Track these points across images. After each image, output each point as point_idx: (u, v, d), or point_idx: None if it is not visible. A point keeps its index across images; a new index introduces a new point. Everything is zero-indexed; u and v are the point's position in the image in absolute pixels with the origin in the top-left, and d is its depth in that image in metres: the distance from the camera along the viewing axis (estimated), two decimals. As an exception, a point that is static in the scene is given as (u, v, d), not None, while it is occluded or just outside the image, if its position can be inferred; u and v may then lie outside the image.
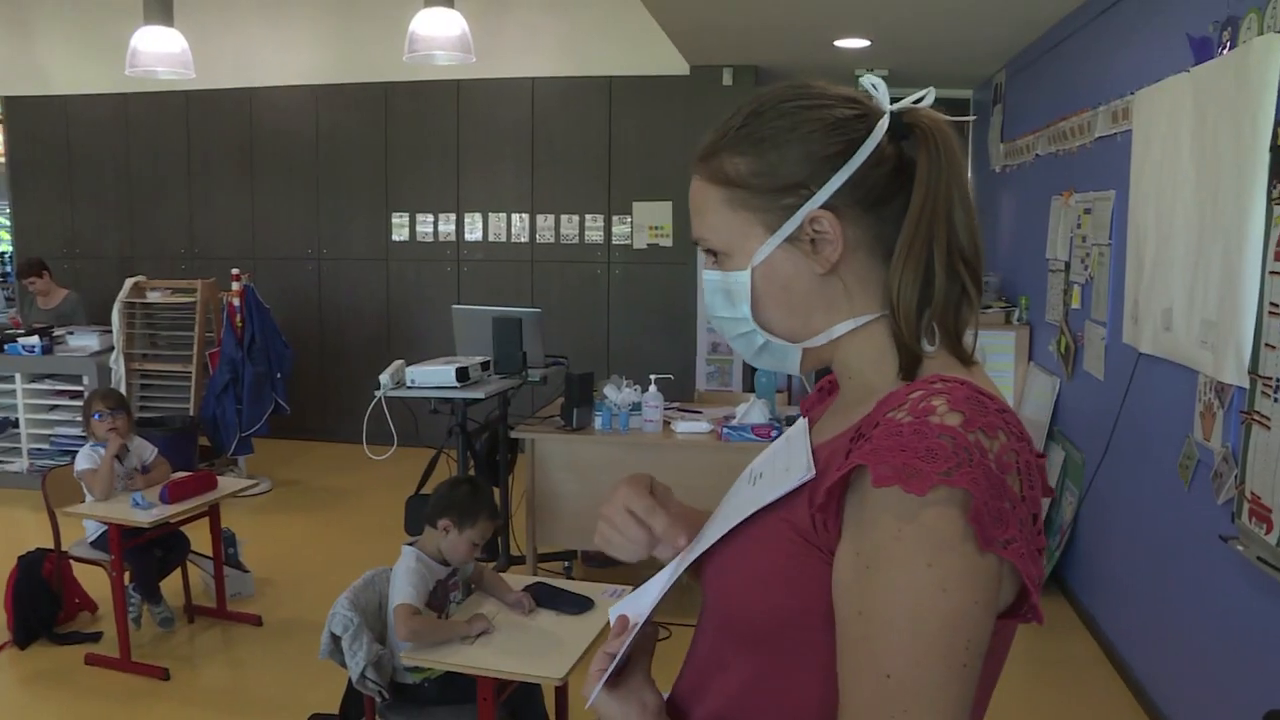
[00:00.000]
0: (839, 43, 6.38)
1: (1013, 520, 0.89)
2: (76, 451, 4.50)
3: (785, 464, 1.05)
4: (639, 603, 1.20)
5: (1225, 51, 3.44)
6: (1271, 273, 2.98)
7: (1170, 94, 3.71)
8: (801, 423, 1.14)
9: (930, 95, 1.06)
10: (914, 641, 0.87)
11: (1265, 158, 3.05)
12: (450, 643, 2.88)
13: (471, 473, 4.75)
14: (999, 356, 5.92)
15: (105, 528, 4.16)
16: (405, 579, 2.96)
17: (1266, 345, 2.92)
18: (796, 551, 0.96)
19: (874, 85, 1.05)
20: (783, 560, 0.97)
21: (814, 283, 1.04)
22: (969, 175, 1.04)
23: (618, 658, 1.11)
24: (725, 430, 4.53)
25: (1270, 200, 3.02)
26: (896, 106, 1.03)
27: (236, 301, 6.57)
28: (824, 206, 1.01)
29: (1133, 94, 4.07)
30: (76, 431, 6.46)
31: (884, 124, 1.02)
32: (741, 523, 1.02)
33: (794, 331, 1.07)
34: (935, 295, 1.00)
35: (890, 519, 0.88)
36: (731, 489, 1.19)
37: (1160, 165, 3.73)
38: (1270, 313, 2.95)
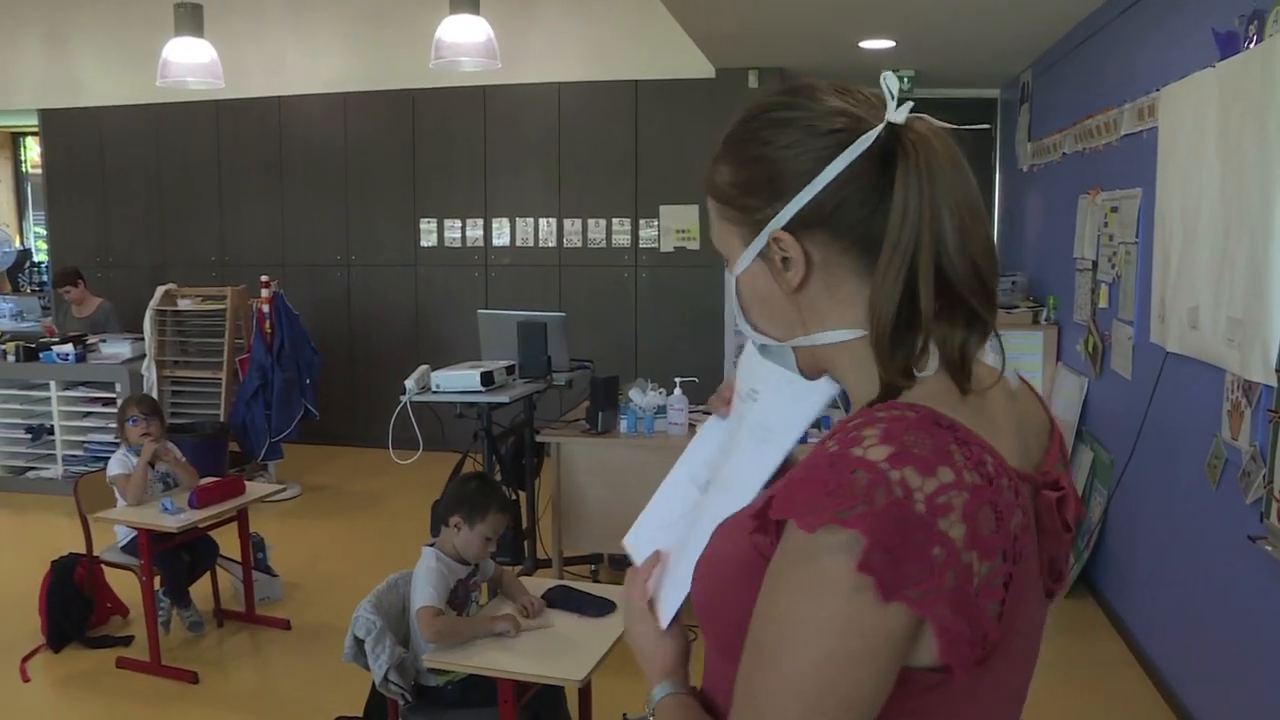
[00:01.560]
0: (864, 44, 6.36)
1: (939, 570, 0.82)
2: (109, 458, 4.56)
3: (736, 476, 1.10)
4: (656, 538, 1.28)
5: (1251, 46, 3.40)
6: (1295, 272, 2.95)
7: (1195, 90, 3.68)
8: (716, 426, 1.22)
9: (902, 112, 0.96)
10: (780, 678, 0.86)
11: (1290, 154, 3.02)
12: (476, 640, 2.89)
13: (498, 476, 4.77)
14: (1027, 356, 5.88)
15: (135, 533, 4.20)
16: (425, 580, 2.98)
17: (1292, 342, 2.89)
18: (752, 565, 0.94)
19: (890, 90, 0.97)
20: (742, 573, 0.95)
21: (786, 298, 1.01)
22: (968, 190, 0.94)
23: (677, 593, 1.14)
24: (749, 433, 4.51)
25: (1295, 198, 2.99)
26: (891, 118, 0.95)
27: (266, 308, 6.63)
28: (793, 226, 0.97)
29: (1158, 91, 4.04)
30: (109, 438, 6.54)
31: (864, 140, 0.94)
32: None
33: (781, 336, 1.05)
34: (922, 319, 0.92)
35: (786, 552, 0.88)
36: (671, 479, 1.31)
37: (1186, 162, 3.69)
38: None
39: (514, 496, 4.82)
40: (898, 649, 0.84)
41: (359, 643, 2.94)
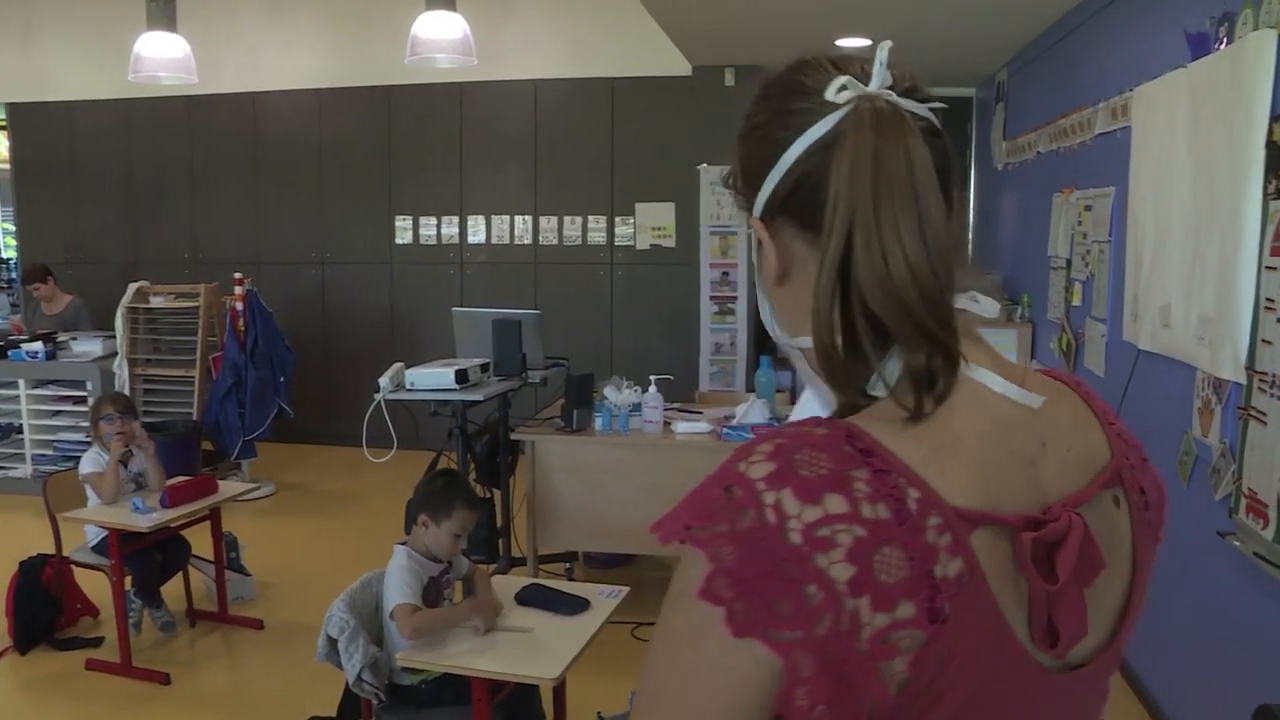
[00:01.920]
0: (840, 41, 6.37)
1: (812, 612, 0.71)
2: (80, 457, 4.52)
3: None
4: None
5: (1221, 47, 3.43)
6: (1267, 268, 2.97)
7: (1168, 90, 3.70)
8: None
9: (876, 83, 0.85)
10: (644, 685, 0.80)
11: (1260, 153, 3.04)
12: (455, 631, 2.91)
13: (472, 474, 4.76)
14: (1001, 354, 5.89)
15: (106, 533, 4.16)
16: (398, 578, 2.96)
17: (1263, 341, 2.90)
18: None
19: (880, 61, 0.86)
20: None
21: (777, 293, 0.94)
22: (915, 185, 0.80)
23: None
24: (725, 430, 4.52)
25: (1265, 196, 3.01)
26: (845, 98, 0.84)
27: (239, 306, 6.59)
28: (766, 214, 0.90)
29: (1131, 90, 4.06)
30: (80, 437, 6.48)
31: (816, 129, 0.84)
32: None
33: (784, 333, 0.96)
34: (859, 336, 0.80)
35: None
36: None
37: (1158, 162, 3.71)
38: (1266, 308, 2.94)
39: (488, 495, 4.81)
40: (751, 686, 0.73)
41: (332, 642, 2.92)
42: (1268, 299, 2.94)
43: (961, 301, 0.87)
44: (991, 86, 7.48)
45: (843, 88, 0.84)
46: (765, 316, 0.99)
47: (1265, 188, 3.00)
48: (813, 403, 1.04)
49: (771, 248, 0.90)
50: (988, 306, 0.91)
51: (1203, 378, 3.30)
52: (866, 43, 6.33)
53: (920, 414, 0.79)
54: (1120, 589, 0.89)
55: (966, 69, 7.30)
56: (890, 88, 0.86)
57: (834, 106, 0.85)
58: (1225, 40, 3.41)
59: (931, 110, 0.89)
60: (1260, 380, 2.84)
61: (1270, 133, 3.02)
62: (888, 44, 0.86)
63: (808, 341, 0.88)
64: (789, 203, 0.87)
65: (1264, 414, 2.80)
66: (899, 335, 0.79)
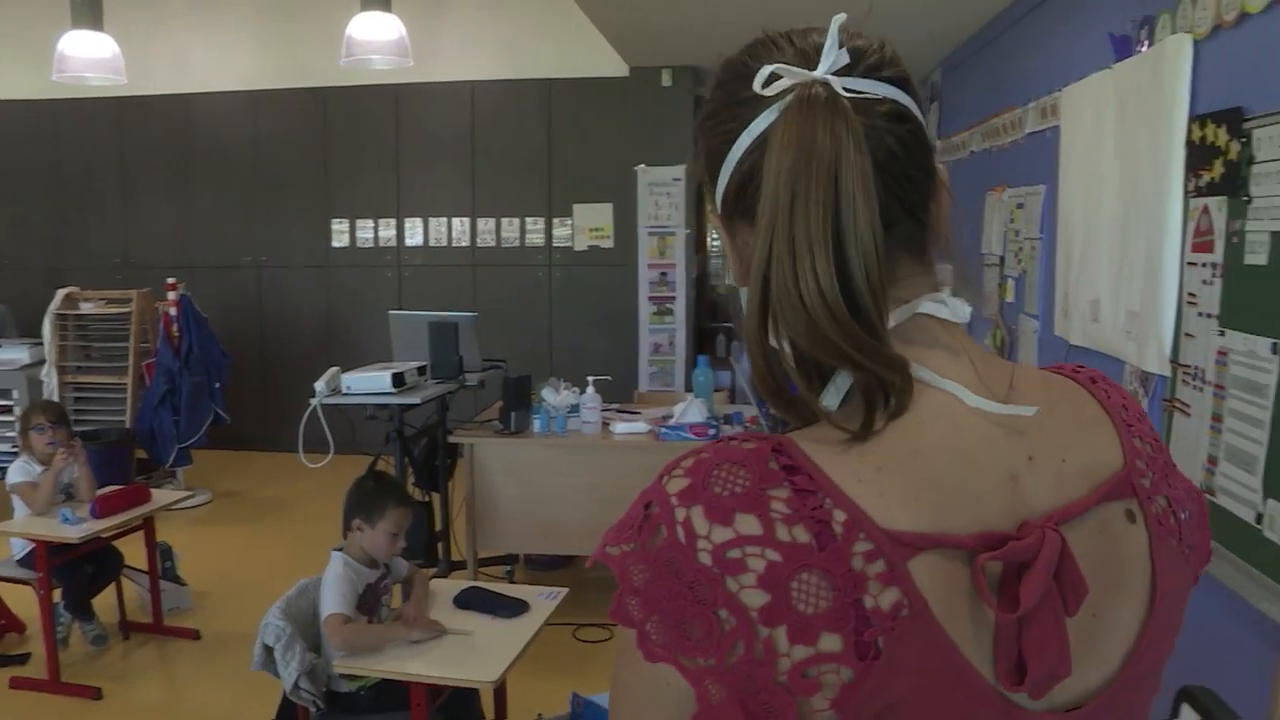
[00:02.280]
0: (776, 42, 6.41)
1: (726, 639, 0.67)
2: (5, 467, 4.41)
3: None
4: None
5: (1144, 49, 3.49)
6: (1189, 264, 3.03)
7: (1094, 91, 3.76)
8: None
9: (822, 69, 0.77)
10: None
11: (1180, 152, 3.10)
12: (389, 646, 2.86)
13: (410, 478, 4.72)
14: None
15: (32, 545, 4.07)
16: (333, 586, 2.93)
17: (1186, 335, 2.96)
18: None
19: (832, 39, 0.79)
20: None
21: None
22: (841, 191, 0.72)
23: None
24: (663, 430, 4.53)
25: (1186, 194, 3.07)
26: (780, 87, 0.77)
27: (172, 311, 6.49)
28: (725, 211, 0.83)
29: (1060, 91, 4.13)
30: (5, 448, 6.33)
31: (761, 120, 0.77)
32: None
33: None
34: (790, 349, 0.74)
35: None
36: None
37: (1086, 160, 3.77)
38: (1189, 303, 3.00)
39: (426, 498, 4.78)
40: (671, 708, 0.70)
41: (268, 650, 2.88)
42: (1190, 293, 3.01)
43: (926, 305, 0.80)
44: (926, 87, 7.57)
45: (773, 77, 0.77)
46: (743, 311, 0.93)
47: (1186, 186, 3.07)
48: None
49: (730, 246, 0.85)
50: (957, 309, 0.82)
51: (1130, 371, 3.36)
52: (801, 43, 6.37)
53: (865, 434, 0.72)
54: (1136, 615, 0.78)
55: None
56: (848, 67, 0.78)
57: (777, 95, 0.77)
58: (1146, 43, 3.48)
59: (903, 87, 0.81)
60: (1184, 373, 2.90)
61: (1189, 133, 3.09)
62: (840, 18, 0.79)
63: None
64: (738, 203, 0.81)
65: (1187, 405, 2.86)
66: (828, 361, 0.73)
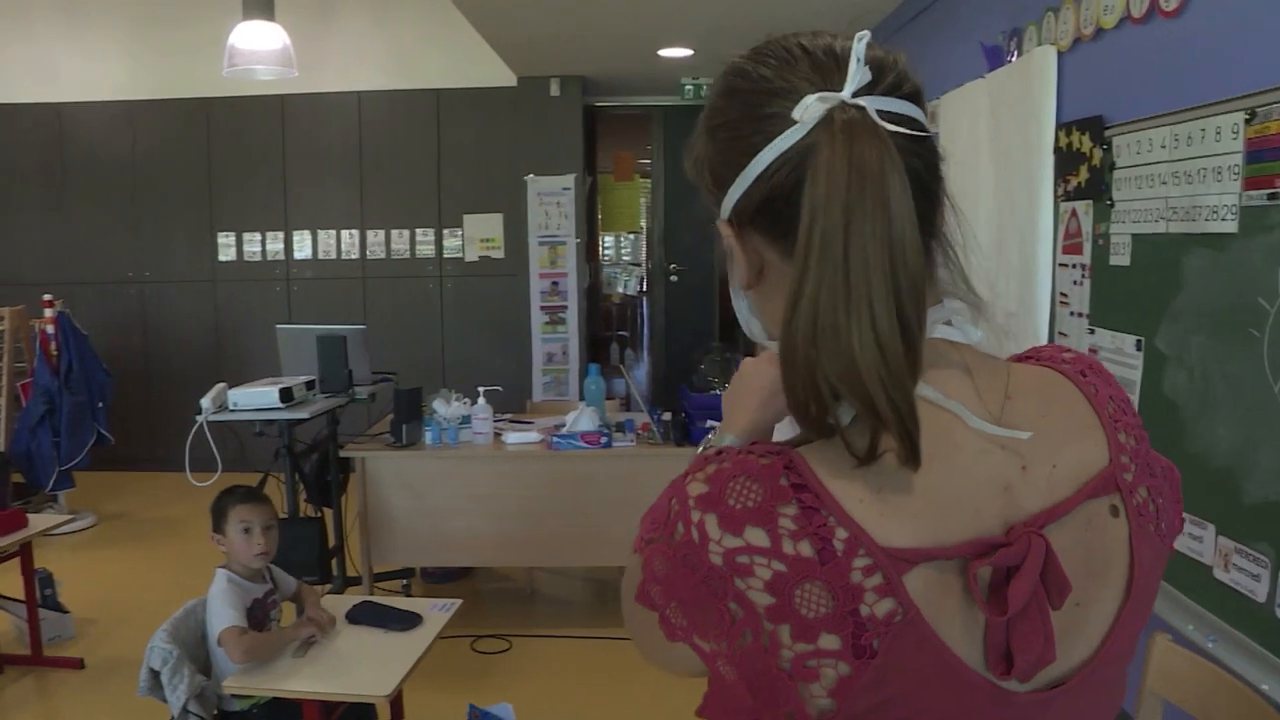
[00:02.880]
0: (663, 52, 6.49)
1: (735, 628, 0.75)
2: None
3: None
4: None
5: (1013, 59, 3.63)
6: (1060, 265, 3.17)
7: (969, 99, 3.90)
8: None
9: (850, 88, 0.80)
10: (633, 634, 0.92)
11: (1050, 158, 3.24)
12: (287, 652, 2.87)
13: (301, 494, 4.67)
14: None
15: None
16: (221, 601, 2.89)
17: (1060, 333, 3.10)
18: None
19: (857, 57, 0.80)
20: None
21: (749, 297, 0.91)
22: (893, 210, 0.75)
23: None
24: (554, 439, 4.55)
25: (1056, 198, 3.21)
26: (842, 97, 0.79)
27: (50, 329, 6.29)
28: (736, 219, 0.86)
29: (938, 99, 4.26)
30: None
31: (787, 138, 0.80)
32: None
33: (765, 331, 0.94)
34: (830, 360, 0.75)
35: None
36: None
37: (963, 166, 3.91)
38: (1061, 302, 3.13)
39: (319, 514, 4.73)
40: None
41: (154, 675, 2.83)
42: (1062, 293, 3.14)
43: (941, 331, 0.86)
44: (809, 95, 7.72)
45: (815, 99, 0.79)
46: (742, 317, 0.96)
47: (1055, 190, 3.20)
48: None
49: (741, 254, 0.87)
50: (970, 333, 0.87)
51: (1004, 370, 3.49)
52: (688, 53, 6.47)
53: (868, 461, 0.76)
54: (1114, 599, 0.85)
55: (785, 78, 7.50)
56: (870, 84, 0.80)
57: (813, 111, 0.80)
58: (1016, 53, 3.62)
59: (917, 101, 0.84)
60: (1051, 372, 3.02)
61: (1057, 140, 3.23)
62: (864, 36, 0.81)
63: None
64: (760, 215, 0.83)
65: (1056, 403, 2.98)
66: (852, 402, 0.76)
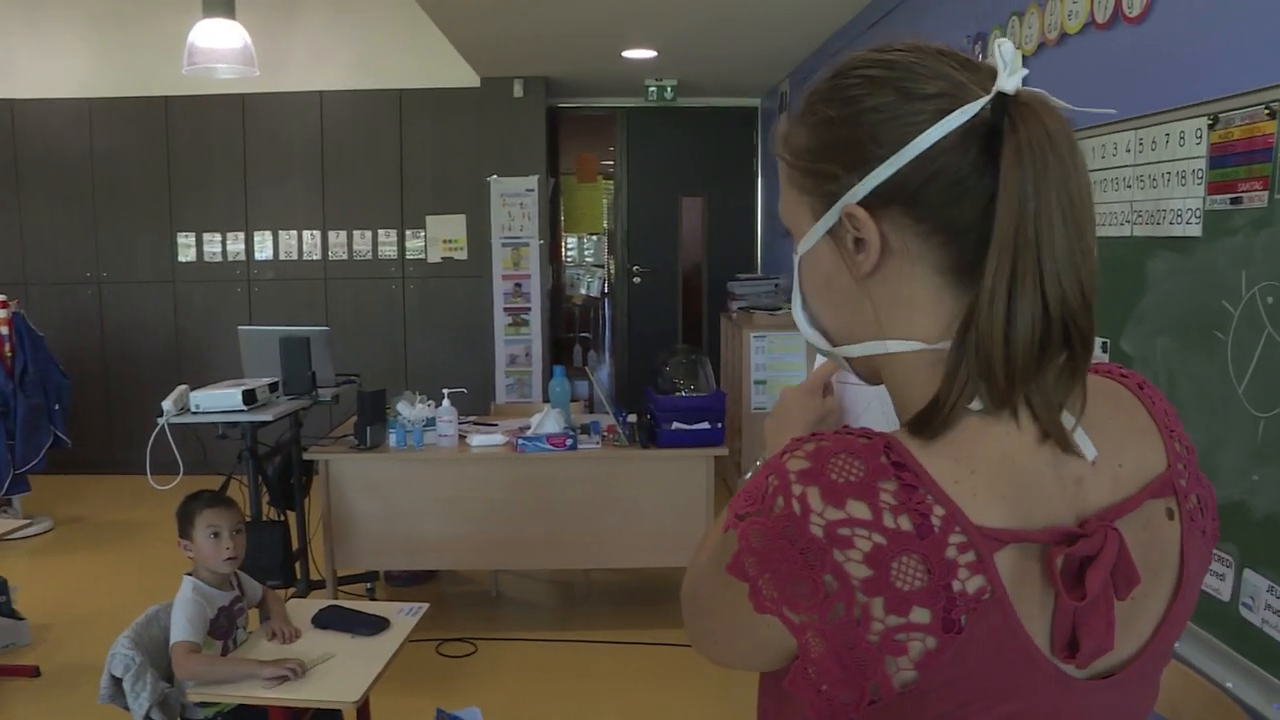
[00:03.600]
0: (627, 53, 6.49)
1: (828, 599, 0.77)
2: None
3: None
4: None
5: (976, 61, 3.64)
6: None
7: (930, 102, 3.91)
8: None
9: (1015, 80, 0.81)
10: (692, 621, 0.95)
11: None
12: (244, 680, 2.76)
13: (265, 497, 4.62)
14: (791, 356, 6.12)
15: None
16: (180, 613, 2.84)
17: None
18: None
19: (1004, 58, 0.81)
20: None
21: (855, 287, 0.89)
22: (1083, 184, 0.80)
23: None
24: (520, 441, 4.53)
25: (1019, 200, 3.22)
26: (1002, 86, 0.80)
27: (4, 330, 6.19)
28: (871, 202, 0.85)
29: (899, 102, 4.28)
30: None
31: (968, 109, 0.80)
32: None
33: (842, 332, 0.94)
34: (1015, 347, 0.78)
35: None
36: None
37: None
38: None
39: (282, 517, 4.68)
40: (787, 653, 0.82)
41: (116, 682, 2.78)
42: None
43: None
44: (775, 97, 7.75)
45: (1007, 78, 0.81)
46: (802, 318, 0.97)
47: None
48: (866, 409, 1.08)
49: (877, 239, 0.85)
50: None
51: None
52: (652, 54, 6.47)
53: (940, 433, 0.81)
54: (1164, 597, 0.88)
55: (751, 80, 7.54)
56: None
57: (973, 94, 0.81)
58: (981, 57, 3.64)
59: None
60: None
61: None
62: (1006, 42, 0.82)
63: (859, 350, 0.91)
64: (920, 194, 0.83)
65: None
66: (1046, 348, 0.80)
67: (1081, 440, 0.83)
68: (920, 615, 0.76)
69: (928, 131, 0.81)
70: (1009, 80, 0.80)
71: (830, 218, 0.88)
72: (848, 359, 0.95)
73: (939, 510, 0.77)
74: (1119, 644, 0.84)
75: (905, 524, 0.76)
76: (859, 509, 0.76)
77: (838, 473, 0.78)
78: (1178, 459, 0.91)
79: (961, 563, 0.77)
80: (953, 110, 0.81)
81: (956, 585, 0.76)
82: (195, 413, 4.32)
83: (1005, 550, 0.78)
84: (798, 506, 0.77)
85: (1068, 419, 0.83)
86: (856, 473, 0.78)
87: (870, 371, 0.94)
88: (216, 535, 2.95)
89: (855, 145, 0.85)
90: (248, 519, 4.05)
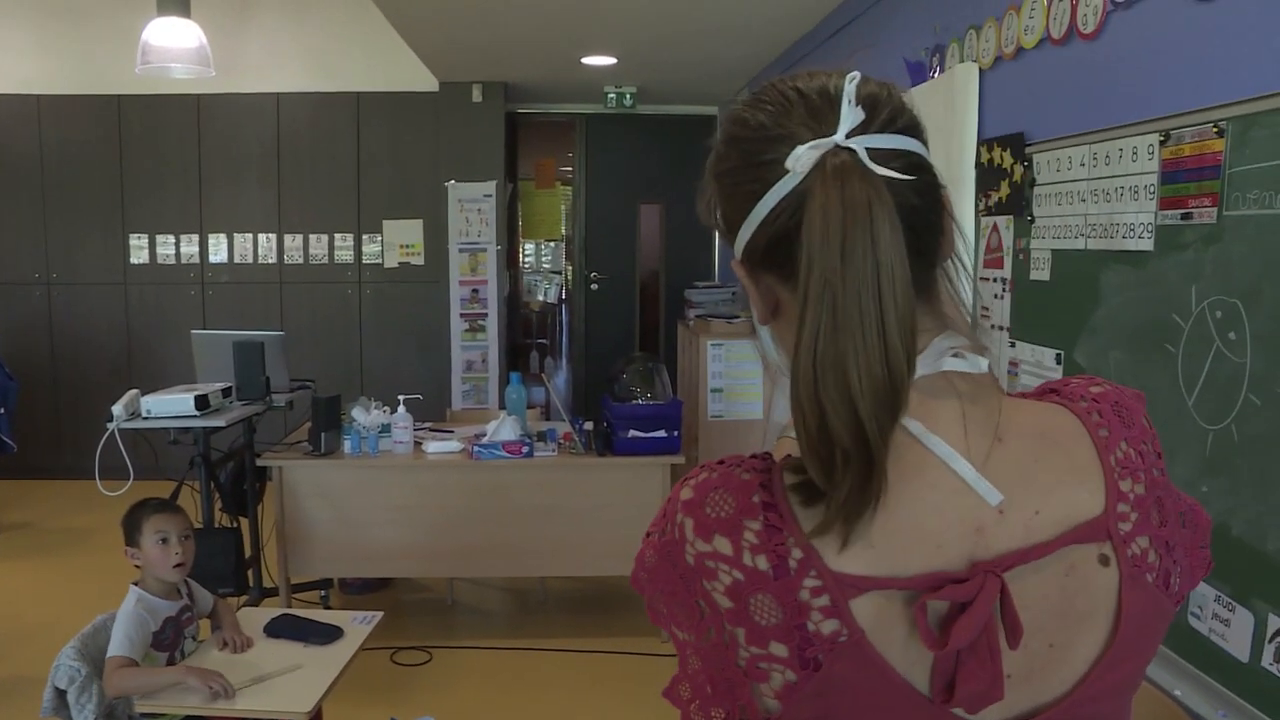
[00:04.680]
0: (586, 60, 6.49)
1: (702, 623, 0.81)
2: None
3: None
4: None
5: (936, 75, 3.69)
6: (982, 279, 3.22)
7: (889, 113, 3.95)
8: None
9: (844, 129, 0.81)
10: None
11: (971, 173, 3.30)
12: (169, 690, 2.72)
13: (217, 504, 4.56)
14: (748, 364, 6.13)
15: None
16: (120, 626, 2.77)
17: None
18: None
19: (848, 98, 0.81)
20: None
21: (768, 330, 0.92)
22: (881, 278, 0.76)
23: None
24: (476, 449, 4.51)
25: (978, 213, 3.26)
26: (808, 146, 0.80)
27: (-50, 332, 6.09)
28: (748, 259, 0.87)
29: (859, 112, 4.31)
30: None
31: (784, 184, 0.81)
32: None
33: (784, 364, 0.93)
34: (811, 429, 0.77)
35: None
36: None
37: (883, 180, 3.96)
38: (983, 316, 3.19)
39: (235, 524, 4.64)
40: None
41: (60, 694, 2.73)
42: (984, 307, 3.20)
43: (947, 363, 0.86)
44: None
45: (807, 148, 0.80)
46: (765, 345, 0.95)
47: (977, 205, 3.26)
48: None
49: (755, 292, 0.89)
50: (977, 363, 0.87)
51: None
52: (612, 61, 6.47)
53: (828, 490, 0.78)
54: (1095, 644, 0.84)
55: (710, 88, 7.56)
56: (864, 123, 0.81)
57: (811, 153, 0.81)
58: (939, 69, 3.68)
59: (915, 134, 0.85)
60: (972, 384, 3.08)
61: (979, 155, 3.29)
62: (855, 77, 0.83)
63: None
64: (768, 256, 0.85)
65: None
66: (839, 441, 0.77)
67: (984, 488, 0.81)
68: (778, 649, 0.79)
69: (762, 200, 0.82)
70: (840, 131, 0.80)
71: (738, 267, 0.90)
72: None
73: (796, 554, 0.79)
74: (1039, 688, 0.82)
75: (763, 564, 0.79)
76: (723, 544, 0.80)
77: (711, 507, 0.82)
78: (1119, 500, 0.86)
79: (815, 605, 0.78)
80: (782, 178, 0.81)
81: (810, 626, 0.78)
82: (146, 418, 4.26)
83: (865, 596, 0.78)
84: (678, 534, 0.83)
85: (967, 469, 0.81)
86: (727, 509, 0.81)
87: None
88: (165, 541, 2.90)
89: (725, 208, 0.88)
90: (199, 525, 4.01)
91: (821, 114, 0.83)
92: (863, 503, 0.77)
